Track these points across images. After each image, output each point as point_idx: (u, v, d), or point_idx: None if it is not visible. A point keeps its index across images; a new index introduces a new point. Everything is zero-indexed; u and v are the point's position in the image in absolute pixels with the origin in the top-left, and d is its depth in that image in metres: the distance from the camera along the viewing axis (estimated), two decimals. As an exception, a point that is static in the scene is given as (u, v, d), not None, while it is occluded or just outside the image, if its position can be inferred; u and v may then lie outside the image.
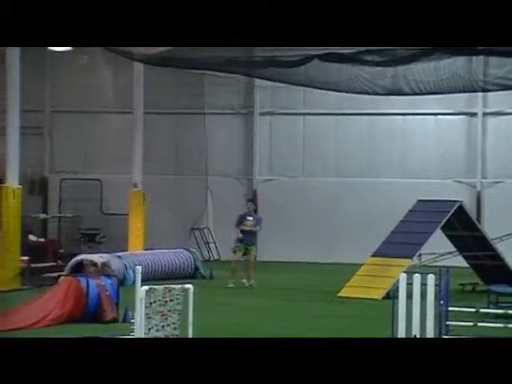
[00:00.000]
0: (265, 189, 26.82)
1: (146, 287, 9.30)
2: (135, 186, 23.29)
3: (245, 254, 18.63)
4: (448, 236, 18.56)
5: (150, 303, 9.31)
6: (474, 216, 20.08)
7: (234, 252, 18.73)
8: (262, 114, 27.08)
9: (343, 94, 19.23)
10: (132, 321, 9.63)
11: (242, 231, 18.66)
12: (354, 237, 25.00)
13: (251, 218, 18.79)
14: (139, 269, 9.54)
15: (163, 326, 9.39)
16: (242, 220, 18.79)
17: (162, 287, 9.50)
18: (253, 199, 19.35)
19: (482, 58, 16.48)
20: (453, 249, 19.47)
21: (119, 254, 19.46)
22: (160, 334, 9.37)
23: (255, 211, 19.96)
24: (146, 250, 21.87)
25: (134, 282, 10.20)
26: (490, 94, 24.08)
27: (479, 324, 10.37)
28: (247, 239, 18.66)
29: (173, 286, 9.60)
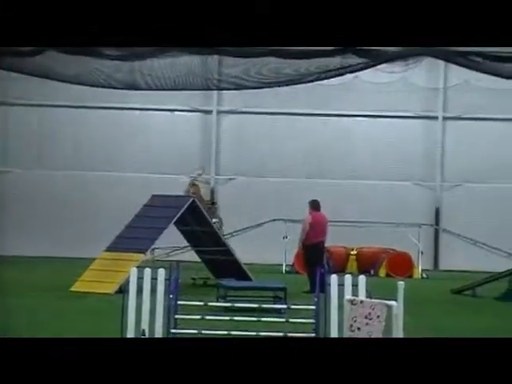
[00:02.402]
0: (-1, 181, 26.03)
1: None
2: None
3: None
4: (181, 231, 18.86)
5: None
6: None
7: None
8: (-1, 103, 26.24)
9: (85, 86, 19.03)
10: None
11: None
12: (99, 231, 24.72)
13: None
14: None
15: None
16: None
17: None
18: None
19: (216, 57, 16.93)
20: (186, 244, 19.84)
21: None
22: None
23: None
24: None
25: None
26: (225, 93, 24.75)
27: (207, 317, 10.58)
28: None
29: None
